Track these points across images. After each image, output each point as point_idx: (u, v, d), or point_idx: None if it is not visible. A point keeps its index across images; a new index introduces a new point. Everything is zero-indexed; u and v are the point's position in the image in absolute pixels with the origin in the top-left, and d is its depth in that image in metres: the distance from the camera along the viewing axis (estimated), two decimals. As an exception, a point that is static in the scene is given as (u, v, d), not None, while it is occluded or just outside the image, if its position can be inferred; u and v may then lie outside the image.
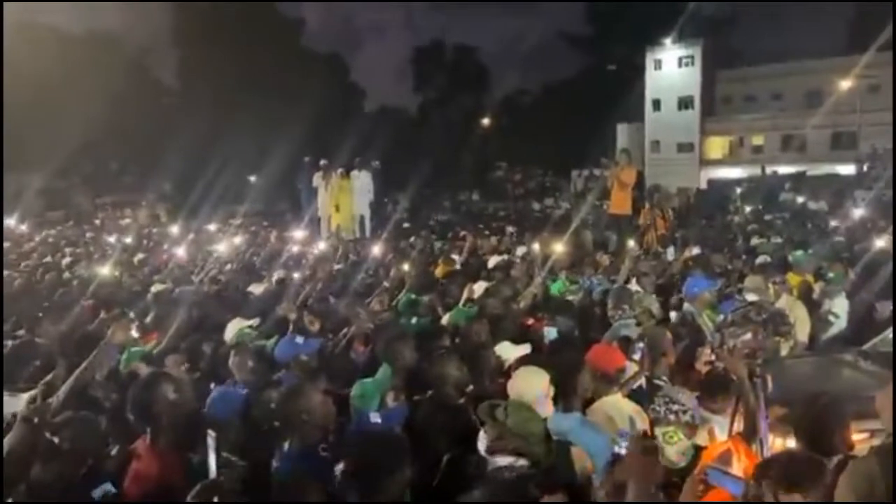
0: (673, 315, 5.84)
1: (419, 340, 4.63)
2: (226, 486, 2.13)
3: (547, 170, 40.90)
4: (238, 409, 3.49)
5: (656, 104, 45.82)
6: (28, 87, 26.52)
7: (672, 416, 3.09)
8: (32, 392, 3.25)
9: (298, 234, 12.15)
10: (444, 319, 5.65)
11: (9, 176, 26.87)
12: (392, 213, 15.80)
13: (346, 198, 14.54)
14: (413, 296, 6.38)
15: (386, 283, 6.96)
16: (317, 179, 14.69)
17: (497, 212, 25.42)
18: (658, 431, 3.13)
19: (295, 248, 10.55)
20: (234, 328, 5.00)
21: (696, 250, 9.10)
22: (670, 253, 9.59)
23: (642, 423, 3.52)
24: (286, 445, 3.13)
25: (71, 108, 25.35)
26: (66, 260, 10.88)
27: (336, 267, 8.73)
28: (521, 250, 9.94)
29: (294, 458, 3.06)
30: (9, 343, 4.90)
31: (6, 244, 13.02)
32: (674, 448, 3.03)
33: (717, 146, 45.48)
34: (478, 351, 4.51)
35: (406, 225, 16.33)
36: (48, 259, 10.98)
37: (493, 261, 8.98)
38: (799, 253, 8.22)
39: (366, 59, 47.95)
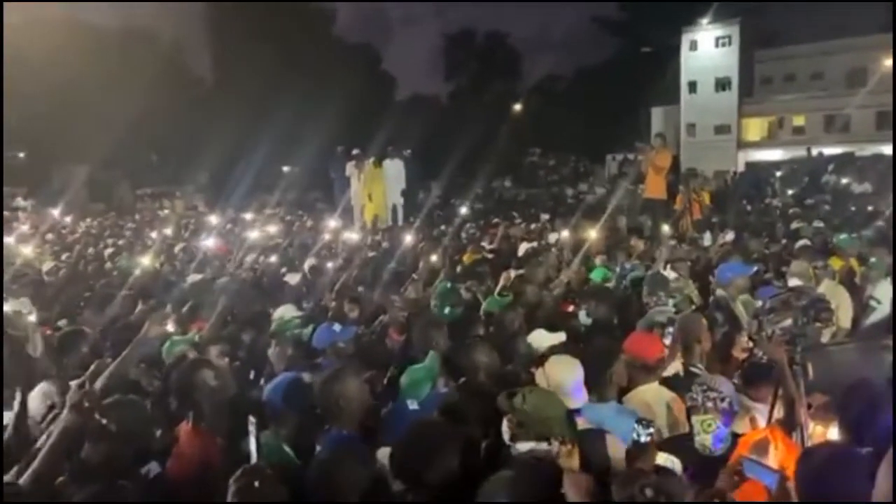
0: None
1: (453, 329, 4.66)
2: (267, 470, 2.16)
3: (580, 155, 40.51)
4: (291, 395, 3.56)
5: (692, 86, 44.92)
6: (69, 83, 27.20)
7: (710, 404, 3.05)
8: (80, 380, 3.35)
9: (332, 223, 12.24)
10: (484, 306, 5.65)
11: (54, 168, 27.66)
12: (424, 201, 15.81)
13: (378, 187, 14.59)
14: (448, 284, 6.40)
15: (418, 272, 6.97)
16: (349, 169, 14.76)
17: (530, 198, 25.28)
18: (695, 419, 3.09)
19: (328, 238, 10.63)
20: (281, 316, 5.08)
21: (732, 235, 8.94)
22: (707, 238, 9.43)
23: (679, 412, 3.49)
24: (327, 429, 3.19)
25: (110, 102, 25.92)
26: (109, 251, 11.15)
27: (369, 255, 8.79)
28: (553, 237, 9.88)
29: (332, 443, 3.11)
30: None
31: (50, 235, 13.39)
32: (711, 436, 3.00)
33: (755, 128, 44.47)
34: (512, 339, 4.51)
35: (438, 213, 16.34)
36: (91, 250, 11.27)
37: (523, 248, 8.95)
38: (842, 236, 8.00)
39: (397, 49, 48.01)
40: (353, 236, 10.65)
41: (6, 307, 5.79)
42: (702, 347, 4.20)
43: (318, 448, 3.17)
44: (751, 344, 4.22)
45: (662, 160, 11.36)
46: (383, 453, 3.01)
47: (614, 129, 37.86)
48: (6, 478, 2.69)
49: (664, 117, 44.71)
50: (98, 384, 3.50)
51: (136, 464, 2.96)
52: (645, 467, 2.57)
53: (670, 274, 6.27)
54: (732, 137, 43.71)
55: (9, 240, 12.61)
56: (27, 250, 10.77)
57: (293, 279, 7.29)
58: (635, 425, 2.76)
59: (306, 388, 3.50)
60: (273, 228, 12.74)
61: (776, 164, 28.28)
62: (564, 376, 3.26)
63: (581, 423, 3.05)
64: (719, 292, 5.54)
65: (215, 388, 3.29)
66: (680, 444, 3.05)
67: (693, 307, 5.28)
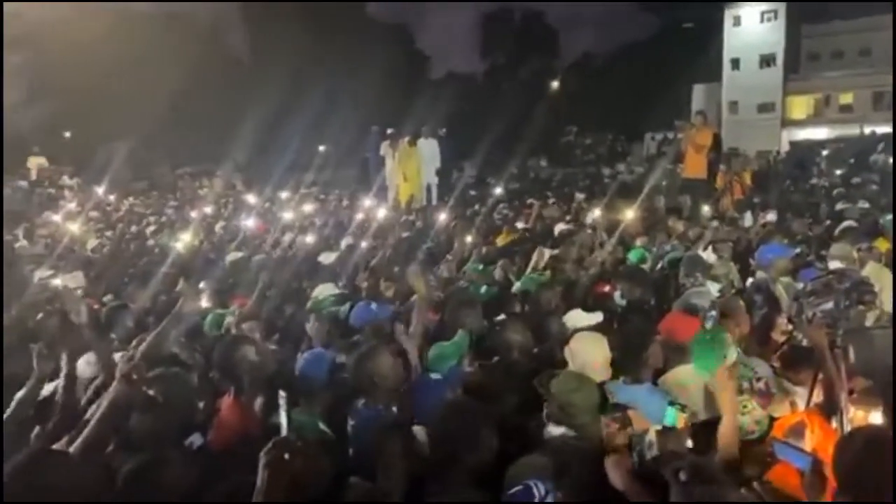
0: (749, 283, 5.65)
1: (488, 307, 4.67)
2: (297, 443, 2.21)
3: (618, 134, 39.84)
4: (325, 372, 3.63)
5: (735, 63, 43.73)
6: (113, 65, 27.75)
7: (745, 385, 3.02)
8: (128, 353, 3.48)
9: (366, 202, 12.31)
10: (514, 287, 5.65)
11: (97, 147, 28.33)
12: (458, 180, 15.78)
13: (413, 166, 14.59)
14: (481, 264, 6.41)
15: (452, 252, 6.99)
16: (384, 148, 14.79)
17: (566, 178, 25.02)
18: None
19: (363, 217, 10.70)
20: (321, 293, 5.15)
21: (774, 216, 8.74)
22: (748, 219, 9.23)
23: (712, 396, 3.46)
24: (359, 404, 3.25)
25: (152, 83, 26.38)
26: (150, 228, 11.41)
27: (403, 235, 8.83)
28: (589, 217, 9.78)
29: (368, 419, 3.17)
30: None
31: (94, 213, 13.74)
32: (747, 418, 2.96)
33: (800, 106, 43.18)
34: (547, 318, 4.51)
35: (472, 192, 16.31)
36: (134, 228, 11.56)
37: (559, 228, 8.88)
38: (889, 217, 7.76)
39: (431, 27, 47.35)
40: (387, 216, 10.70)
41: (58, 280, 6.02)
42: (740, 330, 4.14)
43: (350, 422, 3.23)
44: (791, 327, 4.14)
45: (703, 138, 11.13)
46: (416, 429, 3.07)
47: (653, 107, 37.03)
48: (58, 446, 2.81)
49: (705, 95, 43.67)
50: (137, 355, 3.62)
51: (181, 435, 3.05)
52: (677, 450, 2.56)
53: (711, 256, 6.18)
54: (776, 115, 42.52)
55: (56, 217, 13.01)
56: (74, 227, 11.11)
57: (328, 258, 7.37)
58: (668, 408, 2.74)
59: (340, 364, 3.56)
60: (309, 207, 12.85)
61: (821, 143, 27.44)
62: (588, 353, 3.25)
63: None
64: (759, 274, 5.45)
65: (255, 364, 3.36)
66: (715, 426, 3.03)
67: (734, 290, 5.21)
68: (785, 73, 42.41)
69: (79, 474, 2.44)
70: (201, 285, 5.49)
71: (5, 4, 19.47)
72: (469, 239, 7.61)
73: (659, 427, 2.82)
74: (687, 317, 4.08)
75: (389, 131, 14.98)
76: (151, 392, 2.97)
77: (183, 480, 2.51)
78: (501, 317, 4.57)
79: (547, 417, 2.79)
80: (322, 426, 3.19)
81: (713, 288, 4.98)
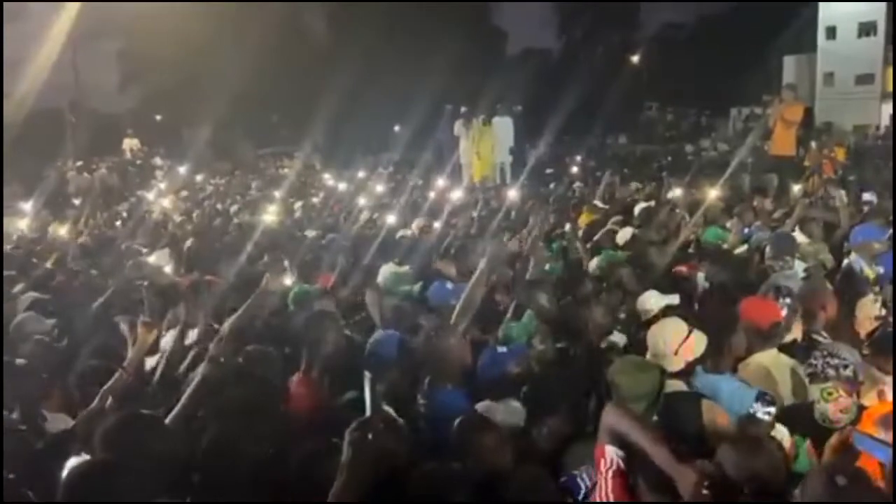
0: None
1: (562, 286, 4.64)
2: (381, 423, 2.27)
3: (702, 109, 38.31)
4: (394, 352, 3.71)
5: (831, 32, 41.08)
6: (197, 49, 28.83)
7: (831, 371, 2.89)
8: (219, 335, 3.67)
9: (441, 182, 12.36)
10: (589, 265, 5.57)
11: (182, 129, 29.59)
12: (534, 158, 15.59)
13: (486, 145, 14.52)
14: (554, 243, 6.35)
15: (527, 228, 6.93)
16: (458, 127, 14.77)
17: (646, 155, 24.35)
18: (814, 388, 2.93)
19: (437, 196, 10.73)
20: (386, 272, 5.23)
21: (868, 196, 8.23)
22: (841, 198, 8.73)
23: (802, 379, 3.33)
24: (425, 384, 3.30)
25: (232, 65, 27.23)
26: (234, 207, 11.85)
27: (475, 214, 8.82)
28: (671, 195, 9.49)
29: (443, 400, 3.21)
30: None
31: (184, 192, 14.39)
32: (832, 405, 2.83)
33: (903, 77, 40.24)
34: (623, 298, 4.44)
35: (548, 170, 16.09)
36: (219, 206, 12.04)
37: (639, 207, 8.66)
38: None
39: (508, 3, 46.73)
40: (460, 195, 10.71)
41: (152, 258, 6.37)
42: (826, 314, 3.95)
43: (421, 402, 3.28)
44: (883, 312, 3.92)
45: (793, 113, 10.57)
46: (483, 406, 3.10)
47: (740, 80, 35.40)
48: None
49: (798, 66, 41.27)
50: (223, 332, 3.82)
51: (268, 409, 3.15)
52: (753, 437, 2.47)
53: (800, 237, 5.90)
54: (876, 88, 39.75)
55: (149, 195, 13.73)
56: (166, 203, 11.69)
57: (402, 237, 7.45)
58: (755, 403, 2.65)
59: (409, 344, 3.63)
60: (383, 187, 13.02)
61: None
62: (663, 337, 3.17)
63: (678, 387, 2.99)
64: (853, 257, 5.17)
65: (328, 341, 3.45)
66: (799, 413, 2.92)
67: (824, 272, 4.96)
68: (886, 43, 39.51)
69: (169, 438, 2.60)
70: (285, 262, 5.66)
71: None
72: (543, 217, 7.54)
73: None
74: (764, 300, 3.93)
75: (463, 110, 14.94)
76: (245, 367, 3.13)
77: (260, 448, 2.62)
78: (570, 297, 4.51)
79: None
80: (386, 406, 3.25)
81: (800, 269, 4.76)
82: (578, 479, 2.51)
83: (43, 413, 3.38)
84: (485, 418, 2.87)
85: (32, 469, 2.64)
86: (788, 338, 3.77)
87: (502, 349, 3.63)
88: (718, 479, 2.22)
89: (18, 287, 5.66)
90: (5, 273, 6.27)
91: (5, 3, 24.82)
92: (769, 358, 3.53)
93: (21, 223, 9.55)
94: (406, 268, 5.48)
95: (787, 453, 2.66)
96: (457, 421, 2.74)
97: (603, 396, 2.93)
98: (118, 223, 10.64)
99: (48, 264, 7.07)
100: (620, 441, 2.28)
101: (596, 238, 6.35)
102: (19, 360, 3.76)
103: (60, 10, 20.28)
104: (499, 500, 2.39)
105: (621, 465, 2.27)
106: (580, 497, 2.51)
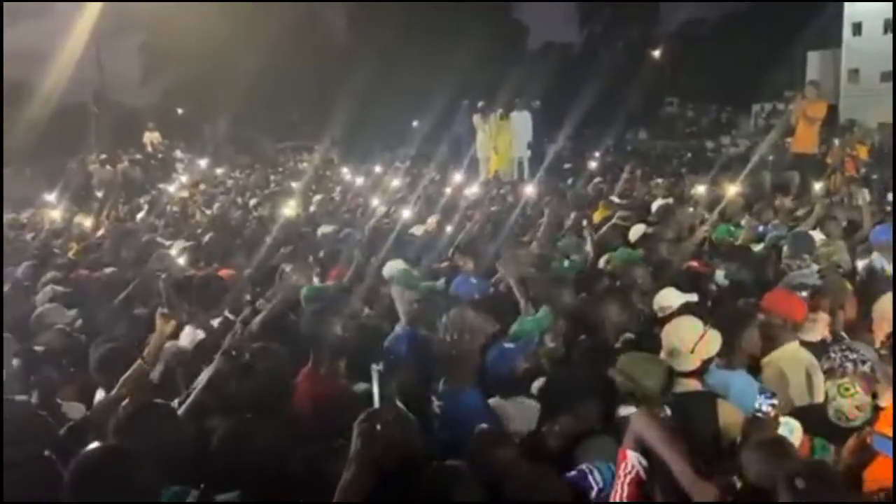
0: (859, 265, 5.30)
1: (577, 283, 4.62)
2: (389, 415, 2.29)
3: (723, 106, 37.85)
4: (407, 348, 3.73)
5: (857, 28, 40.34)
6: (217, 44, 29.06)
7: (849, 366, 2.85)
8: (233, 329, 3.71)
9: (457, 177, 12.35)
10: (602, 262, 5.55)
11: (203, 124, 29.86)
12: (552, 153, 15.52)
13: (504, 139, 14.48)
14: (570, 239, 6.33)
15: (542, 225, 6.89)
16: (475, 121, 14.75)
17: (666, 151, 24.14)
18: (831, 385, 2.90)
19: (453, 191, 10.72)
20: (393, 268, 5.21)
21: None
22: (864, 197, 8.61)
23: (818, 379, 3.30)
24: (441, 384, 3.30)
25: (252, 60, 27.41)
26: (253, 201, 11.94)
27: (491, 209, 8.81)
28: (690, 192, 9.41)
29: (450, 398, 3.22)
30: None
31: (202, 186, 14.51)
32: (848, 402, 2.79)
33: (930, 73, 39.44)
34: (638, 296, 4.42)
35: (567, 166, 16.02)
36: (239, 199, 12.14)
37: (657, 203, 8.61)
38: None
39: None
40: (476, 190, 10.69)
41: (174, 250, 6.46)
42: (845, 314, 3.91)
43: (436, 403, 3.29)
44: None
45: (815, 110, 10.43)
46: (494, 403, 3.11)
47: (763, 76, 34.93)
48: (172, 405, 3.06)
49: (822, 62, 40.59)
50: (255, 327, 3.88)
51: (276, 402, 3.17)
52: (763, 439, 2.45)
53: (818, 235, 5.84)
54: (902, 84, 39.05)
55: (170, 188, 13.89)
56: (186, 195, 11.81)
57: (419, 232, 7.46)
58: (758, 395, 2.64)
59: (424, 341, 3.64)
60: (397, 182, 13.02)
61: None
62: (678, 336, 3.16)
63: (693, 386, 2.97)
64: (874, 256, 5.11)
65: (338, 336, 3.46)
66: (811, 413, 2.89)
67: (840, 272, 4.90)
68: (914, 38, 38.77)
69: (180, 429, 2.65)
70: (311, 259, 5.68)
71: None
72: (560, 213, 7.52)
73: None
74: (791, 294, 3.90)
75: (480, 104, 14.90)
76: (253, 362, 3.16)
77: (269, 445, 2.65)
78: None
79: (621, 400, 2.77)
80: (398, 402, 3.26)
81: (815, 269, 4.72)
82: (589, 477, 2.50)
83: (58, 401, 3.45)
84: (501, 432, 2.86)
85: (57, 455, 2.69)
86: (817, 336, 3.73)
87: (510, 345, 3.63)
88: (738, 497, 2.21)
89: (46, 277, 5.76)
90: (28, 263, 6.39)
91: (30, 1, 25.29)
92: (788, 353, 3.50)
93: (54, 213, 9.71)
94: (407, 264, 5.40)
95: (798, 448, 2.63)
96: (474, 433, 2.75)
97: (611, 395, 2.93)
98: (139, 216, 10.78)
99: (70, 255, 7.19)
100: (644, 448, 2.28)
101: (601, 233, 6.31)
102: (37, 348, 3.84)
103: (84, 7, 20.55)
104: (506, 500, 2.40)
105: (641, 473, 2.27)
106: (592, 495, 2.50)
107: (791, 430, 2.62)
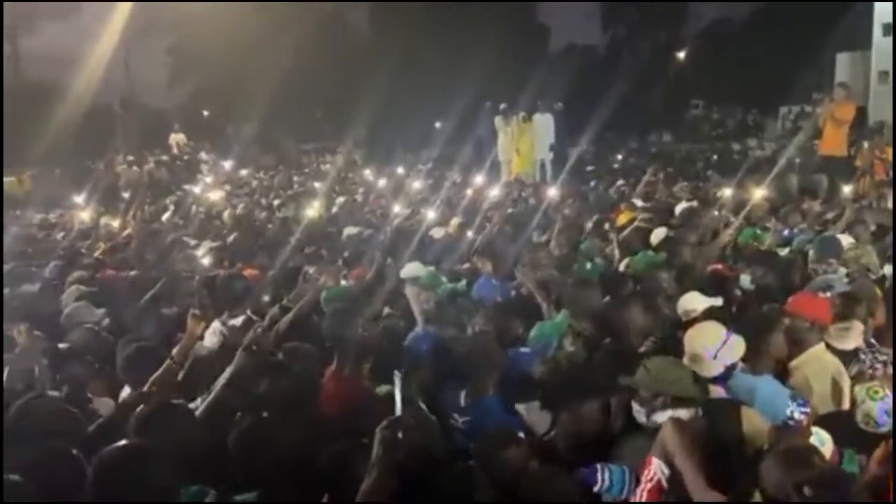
0: (887, 270, 5.19)
1: (601, 286, 4.60)
2: (410, 424, 2.30)
3: (750, 108, 37.30)
4: (426, 350, 3.74)
5: (887, 29, 39.46)
6: (243, 46, 29.41)
7: (878, 367, 2.80)
8: (242, 318, 3.76)
9: (479, 179, 12.34)
10: (622, 265, 5.51)
11: (228, 125, 30.21)
12: (575, 155, 15.45)
13: (526, 141, 14.43)
14: (592, 242, 6.30)
15: (560, 227, 6.87)
16: (497, 123, 14.72)
17: (690, 153, 23.90)
18: (860, 388, 2.85)
19: (474, 193, 10.71)
20: (412, 271, 5.22)
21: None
22: (892, 200, 8.45)
23: (845, 385, 3.25)
24: (462, 395, 3.29)
25: (277, 61, 27.64)
26: (277, 202, 12.04)
27: (509, 211, 8.79)
28: (715, 195, 9.31)
29: (477, 404, 3.21)
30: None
31: (227, 187, 14.67)
32: (878, 405, 2.74)
33: (964, 74, 38.56)
34: (662, 300, 4.38)
35: (589, 168, 15.92)
36: (263, 200, 12.25)
37: (680, 206, 8.53)
38: None
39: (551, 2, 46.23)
40: (497, 193, 10.68)
41: (200, 251, 6.54)
42: (874, 319, 3.84)
43: (463, 419, 3.27)
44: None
45: (844, 112, 10.26)
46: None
47: (790, 78, 34.34)
48: (191, 405, 3.09)
49: (851, 64, 39.78)
50: (282, 327, 3.93)
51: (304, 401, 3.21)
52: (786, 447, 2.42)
53: (847, 239, 5.74)
54: (934, 86, 38.22)
55: (195, 189, 14.05)
56: (214, 196, 11.94)
57: (438, 234, 7.46)
58: (790, 402, 2.60)
59: (445, 344, 3.65)
60: (421, 183, 13.05)
61: None
62: (701, 342, 3.12)
63: (716, 392, 2.93)
64: (902, 261, 5.01)
65: (360, 337, 3.49)
66: (838, 420, 2.84)
67: (871, 276, 4.81)
68: (947, 38, 37.92)
69: (199, 428, 2.68)
70: (339, 263, 5.71)
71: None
72: (583, 215, 7.49)
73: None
74: (817, 297, 3.84)
75: (502, 106, 14.87)
76: (286, 361, 3.19)
77: (291, 444, 2.67)
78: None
79: (649, 412, 2.73)
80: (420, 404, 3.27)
81: (842, 273, 4.63)
82: (598, 474, 2.49)
83: (88, 396, 3.51)
84: (510, 433, 2.86)
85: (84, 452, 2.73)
86: (850, 345, 3.64)
87: (525, 350, 3.62)
88: None
89: (73, 276, 5.86)
90: (55, 263, 6.51)
91: (59, 2, 25.76)
92: (816, 356, 3.44)
93: (83, 214, 9.87)
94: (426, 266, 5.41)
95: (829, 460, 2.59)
96: (481, 435, 2.76)
97: (623, 396, 2.91)
98: (164, 216, 10.92)
99: (97, 254, 7.31)
100: (668, 458, 2.27)
101: (623, 235, 6.27)
102: (65, 345, 3.91)
103: (114, 9, 20.90)
104: (518, 500, 2.40)
105: (662, 482, 2.26)
106: (594, 489, 2.49)
107: (822, 441, 2.56)
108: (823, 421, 2.84)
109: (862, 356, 2.92)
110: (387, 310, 4.80)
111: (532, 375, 3.42)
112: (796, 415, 2.58)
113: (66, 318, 4.72)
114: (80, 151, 20.84)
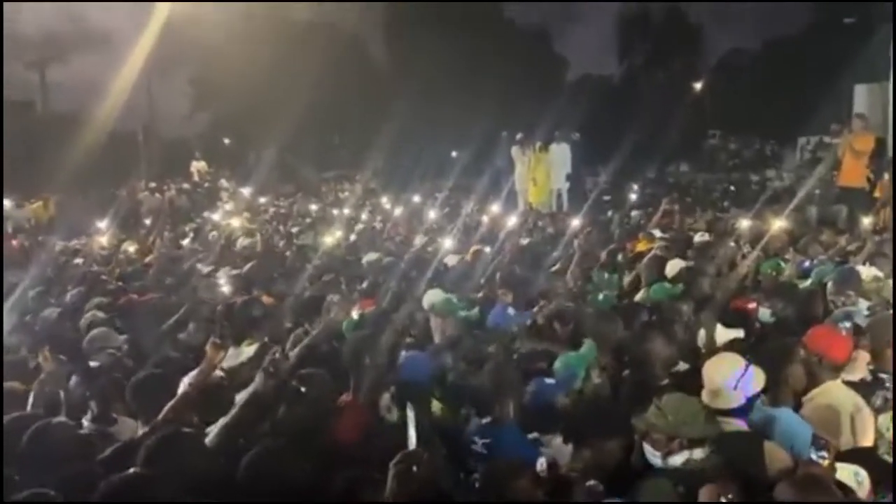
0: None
1: (619, 316, 4.58)
2: (425, 457, 2.30)
3: (768, 138, 37.23)
4: (426, 376, 3.73)
5: (906, 60, 39.53)
6: (264, 76, 29.98)
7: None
8: (256, 345, 3.78)
9: (495, 208, 12.38)
10: (639, 296, 5.49)
11: (248, 152, 30.67)
12: (591, 186, 15.49)
13: (543, 171, 14.50)
14: (607, 273, 6.29)
15: (577, 258, 6.85)
16: (514, 153, 14.81)
17: (707, 184, 23.83)
18: (884, 419, 2.81)
19: (490, 222, 10.73)
20: (432, 299, 5.24)
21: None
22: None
23: (866, 421, 3.20)
24: (475, 421, 3.29)
25: (296, 91, 28.11)
26: (295, 229, 12.14)
27: (524, 241, 8.78)
28: (733, 226, 9.27)
29: (495, 435, 3.20)
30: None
31: (246, 214, 14.84)
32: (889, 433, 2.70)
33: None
34: (681, 331, 4.36)
35: (606, 198, 15.93)
36: (281, 228, 12.36)
37: (698, 237, 8.50)
38: None
39: (570, 28, 46.76)
40: (514, 221, 10.70)
41: (221, 279, 6.59)
42: (891, 353, 3.79)
43: (482, 441, 3.26)
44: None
45: (862, 143, 10.23)
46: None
47: (808, 109, 34.25)
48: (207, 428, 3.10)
49: (869, 95, 39.57)
50: (294, 354, 3.95)
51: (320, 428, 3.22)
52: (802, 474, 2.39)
53: (869, 271, 5.69)
54: (955, 117, 37.88)
55: (215, 216, 14.23)
56: (235, 223, 12.08)
57: (453, 262, 7.47)
58: (811, 448, 2.56)
59: (447, 368, 3.64)
60: (437, 212, 13.10)
61: None
62: (720, 373, 3.09)
63: (737, 426, 2.90)
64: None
65: (370, 366, 3.51)
66: (861, 456, 2.80)
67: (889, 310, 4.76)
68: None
69: (208, 458, 2.69)
70: (354, 295, 5.74)
71: (172, 21, 21.78)
72: (598, 245, 7.48)
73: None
74: (835, 331, 3.81)
75: (519, 136, 14.97)
76: (303, 388, 3.21)
77: (302, 471, 2.68)
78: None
79: (665, 453, 2.71)
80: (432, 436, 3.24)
81: (863, 306, 4.59)
82: None
83: (113, 416, 3.55)
84: (518, 463, 2.83)
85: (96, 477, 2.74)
86: (856, 376, 3.63)
87: (550, 381, 3.60)
88: None
89: (92, 302, 5.94)
90: (76, 289, 6.60)
91: (91, 31, 26.46)
92: (834, 391, 3.40)
93: (102, 240, 10.01)
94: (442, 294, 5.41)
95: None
96: (493, 462, 2.75)
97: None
98: (184, 242, 11.05)
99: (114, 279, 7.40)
100: None
101: (639, 266, 6.25)
102: (92, 363, 3.97)
103: (139, 40, 21.46)
104: None
105: None
106: None
107: (861, 479, 2.51)
108: (848, 457, 2.79)
109: (887, 384, 2.87)
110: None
111: (555, 406, 3.40)
112: (814, 457, 2.54)
113: (88, 342, 4.77)
114: (105, 178, 21.21)
